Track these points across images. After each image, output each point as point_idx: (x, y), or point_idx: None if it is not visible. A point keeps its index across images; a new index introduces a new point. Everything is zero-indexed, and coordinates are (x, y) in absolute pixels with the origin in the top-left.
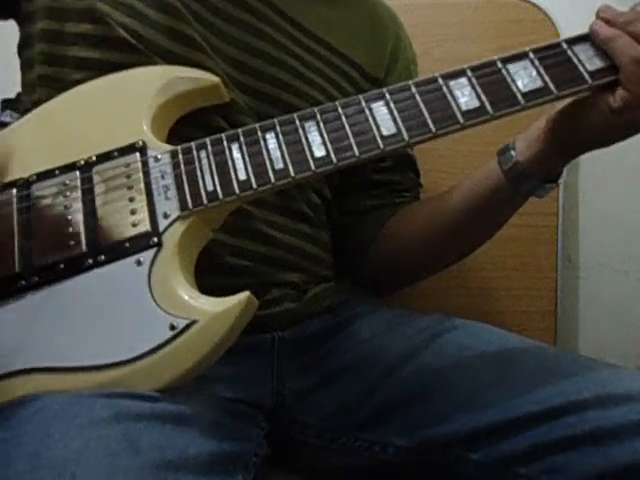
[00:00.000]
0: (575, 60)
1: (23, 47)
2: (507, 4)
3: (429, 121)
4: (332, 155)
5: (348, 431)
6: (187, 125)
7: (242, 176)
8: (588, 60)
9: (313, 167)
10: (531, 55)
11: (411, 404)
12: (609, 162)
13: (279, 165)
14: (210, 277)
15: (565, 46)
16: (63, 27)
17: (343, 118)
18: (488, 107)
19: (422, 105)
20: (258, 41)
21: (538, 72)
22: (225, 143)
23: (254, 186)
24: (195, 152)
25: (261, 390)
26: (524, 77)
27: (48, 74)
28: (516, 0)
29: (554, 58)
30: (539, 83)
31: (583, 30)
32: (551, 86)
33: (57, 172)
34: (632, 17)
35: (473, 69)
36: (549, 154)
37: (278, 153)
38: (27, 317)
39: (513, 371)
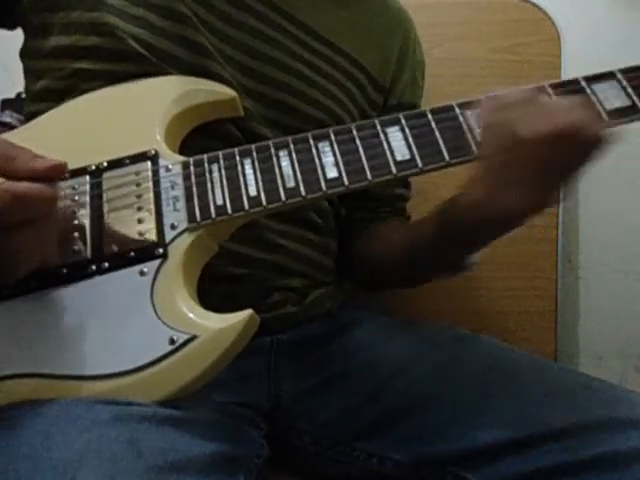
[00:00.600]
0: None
1: (29, 57)
2: (507, 4)
3: (444, 150)
4: (344, 177)
5: (345, 440)
6: (198, 131)
7: (252, 192)
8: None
9: (324, 188)
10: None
11: (409, 416)
12: (609, 162)
13: (290, 184)
14: (211, 284)
15: (584, 83)
16: (72, 41)
17: (357, 141)
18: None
19: (437, 133)
20: (266, 46)
21: None
22: (238, 158)
23: (264, 203)
24: (207, 165)
25: (257, 391)
26: None
27: (56, 87)
28: (516, 0)
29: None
30: None
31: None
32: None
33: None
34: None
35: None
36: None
37: (290, 171)
38: (27, 321)
39: (514, 387)
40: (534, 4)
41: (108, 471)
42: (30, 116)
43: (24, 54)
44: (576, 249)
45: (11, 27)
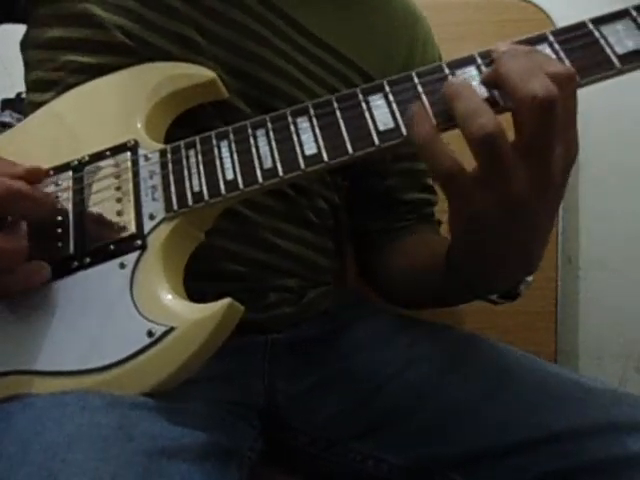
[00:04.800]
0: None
1: (24, 48)
2: (507, 4)
3: (430, 114)
4: (323, 153)
5: (341, 441)
6: (187, 129)
7: (229, 176)
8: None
9: (303, 166)
10: (551, 38)
11: (406, 417)
12: (609, 162)
13: (268, 164)
14: (206, 282)
15: (591, 26)
16: (60, 33)
17: (337, 113)
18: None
19: (424, 97)
20: (255, 46)
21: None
22: (214, 141)
23: (241, 187)
24: (184, 151)
25: (252, 390)
26: None
27: (44, 78)
28: (516, 0)
29: (580, 40)
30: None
31: None
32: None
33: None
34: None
35: (483, 56)
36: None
37: (267, 151)
38: (13, 319)
39: (512, 389)
40: (534, 4)
41: (98, 454)
42: (27, 106)
43: (23, 45)
44: (576, 249)
45: (17, 21)
